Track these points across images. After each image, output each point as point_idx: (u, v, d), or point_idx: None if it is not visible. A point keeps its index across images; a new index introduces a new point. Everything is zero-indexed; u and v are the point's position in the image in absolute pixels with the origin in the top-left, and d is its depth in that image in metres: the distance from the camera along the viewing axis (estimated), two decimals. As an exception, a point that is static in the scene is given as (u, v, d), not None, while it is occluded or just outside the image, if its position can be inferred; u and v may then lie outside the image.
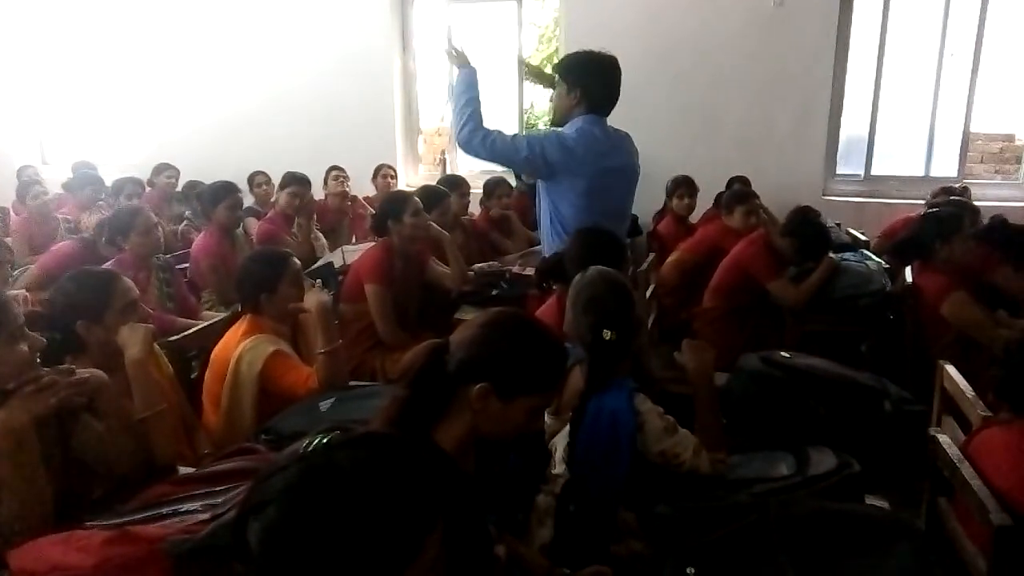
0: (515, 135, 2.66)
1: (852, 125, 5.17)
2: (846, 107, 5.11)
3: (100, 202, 4.72)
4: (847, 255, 3.57)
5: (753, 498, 1.59)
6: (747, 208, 3.79)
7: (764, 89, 5.03)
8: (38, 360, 1.56)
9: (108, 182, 4.94)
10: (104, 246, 3.19)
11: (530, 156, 2.58)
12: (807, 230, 3.31)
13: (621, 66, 2.67)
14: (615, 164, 2.66)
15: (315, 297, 2.17)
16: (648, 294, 3.34)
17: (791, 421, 1.96)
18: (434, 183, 4.26)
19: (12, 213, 4.65)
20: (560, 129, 2.62)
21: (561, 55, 5.45)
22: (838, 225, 4.33)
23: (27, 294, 2.70)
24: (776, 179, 4.82)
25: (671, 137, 5.09)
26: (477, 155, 2.72)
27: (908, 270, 3.18)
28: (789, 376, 2.02)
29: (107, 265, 2.71)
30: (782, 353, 2.14)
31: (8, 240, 3.30)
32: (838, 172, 5.23)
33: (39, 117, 7.04)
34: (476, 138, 2.62)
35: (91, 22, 6.54)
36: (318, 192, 4.78)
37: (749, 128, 5.10)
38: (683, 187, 4.47)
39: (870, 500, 1.72)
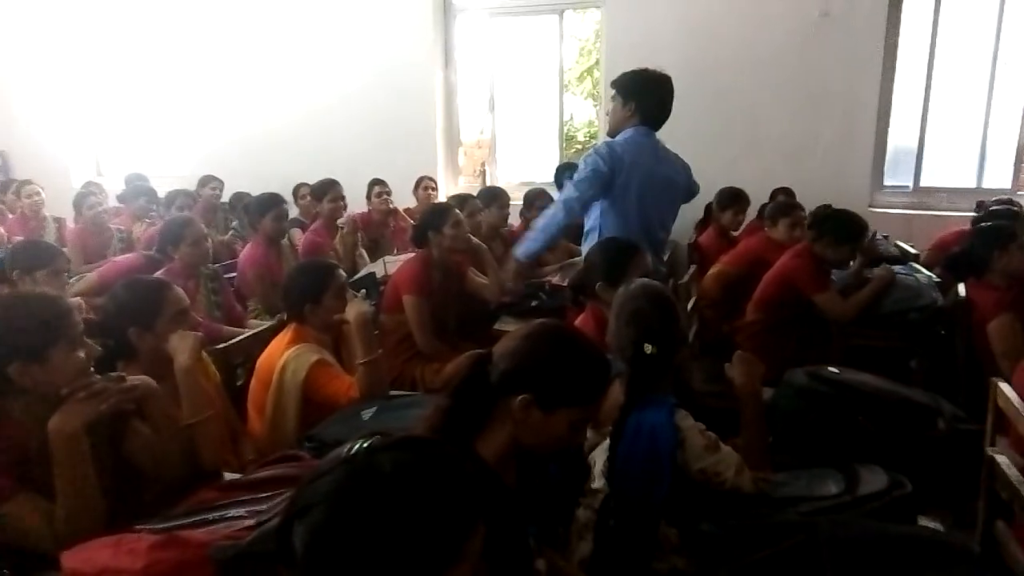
0: (576, 183, 2.78)
1: (900, 136, 5.06)
2: (894, 117, 5.00)
3: (152, 213, 4.87)
4: (896, 268, 3.48)
5: (801, 517, 1.55)
6: (792, 220, 3.73)
7: (809, 99, 4.95)
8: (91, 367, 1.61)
9: (159, 194, 5.10)
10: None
11: (587, 178, 2.72)
12: (831, 222, 3.26)
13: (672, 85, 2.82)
14: (661, 174, 2.76)
15: (355, 308, 2.20)
16: (689, 307, 3.30)
17: (839, 438, 1.90)
18: (473, 194, 4.29)
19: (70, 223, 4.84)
20: (607, 140, 2.77)
21: (602, 68, 5.49)
22: (886, 237, 4.23)
23: (82, 301, 2.78)
24: (821, 191, 4.73)
25: (714, 148, 5.04)
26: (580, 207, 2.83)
27: (961, 285, 3.08)
28: (837, 392, 1.96)
29: (158, 274, 2.78)
30: (830, 368, 2.09)
31: (65, 249, 3.41)
32: (886, 184, 5.12)
33: (94, 132, 7.31)
34: (568, 210, 2.80)
35: (142, 40, 6.78)
36: (358, 203, 4.85)
37: (794, 139, 5.03)
38: (739, 203, 4.39)
39: (923, 521, 1.66)
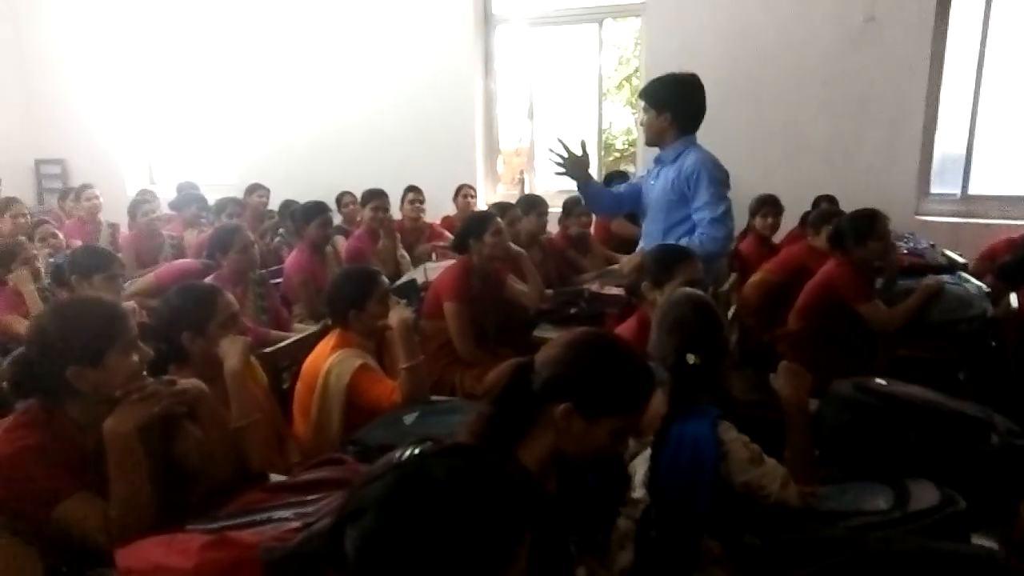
0: (722, 216, 2.71)
1: (948, 142, 4.92)
2: (941, 123, 4.87)
3: (202, 220, 5.00)
4: (944, 278, 3.39)
5: (849, 532, 1.51)
6: (835, 228, 3.66)
7: (853, 105, 4.86)
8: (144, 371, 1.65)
9: (209, 202, 5.24)
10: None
11: (728, 209, 2.73)
12: (840, 228, 3.20)
13: (703, 85, 2.75)
14: None
15: (397, 314, 2.23)
16: (730, 315, 3.26)
17: (888, 452, 1.85)
18: (513, 202, 4.31)
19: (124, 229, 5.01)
20: (702, 169, 2.69)
21: (642, 75, 5.47)
22: (932, 246, 4.12)
23: (135, 305, 2.87)
24: (865, 198, 4.59)
25: (755, 155, 4.98)
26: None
27: (1013, 295, 2.98)
28: (886, 404, 1.90)
29: (208, 280, 2.85)
30: (877, 379, 2.03)
31: (119, 255, 3.52)
32: (932, 191, 4.99)
33: (148, 142, 7.58)
34: (723, 246, 2.77)
35: (193, 53, 7.00)
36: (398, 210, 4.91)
37: (837, 145, 4.94)
38: (767, 206, 4.36)
39: (977, 539, 1.61)
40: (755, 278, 3.80)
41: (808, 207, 4.40)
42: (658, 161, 2.88)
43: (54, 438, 1.50)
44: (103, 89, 7.29)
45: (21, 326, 2.91)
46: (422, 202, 4.94)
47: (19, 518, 1.47)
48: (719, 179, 2.70)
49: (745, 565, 1.57)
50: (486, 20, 5.90)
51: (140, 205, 4.69)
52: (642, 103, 2.84)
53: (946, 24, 4.70)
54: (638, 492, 1.65)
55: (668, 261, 2.32)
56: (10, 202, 4.84)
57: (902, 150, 4.82)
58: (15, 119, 7.37)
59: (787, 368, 1.77)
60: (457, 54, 5.86)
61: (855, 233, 3.14)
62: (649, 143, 2.89)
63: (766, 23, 4.97)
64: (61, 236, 4.17)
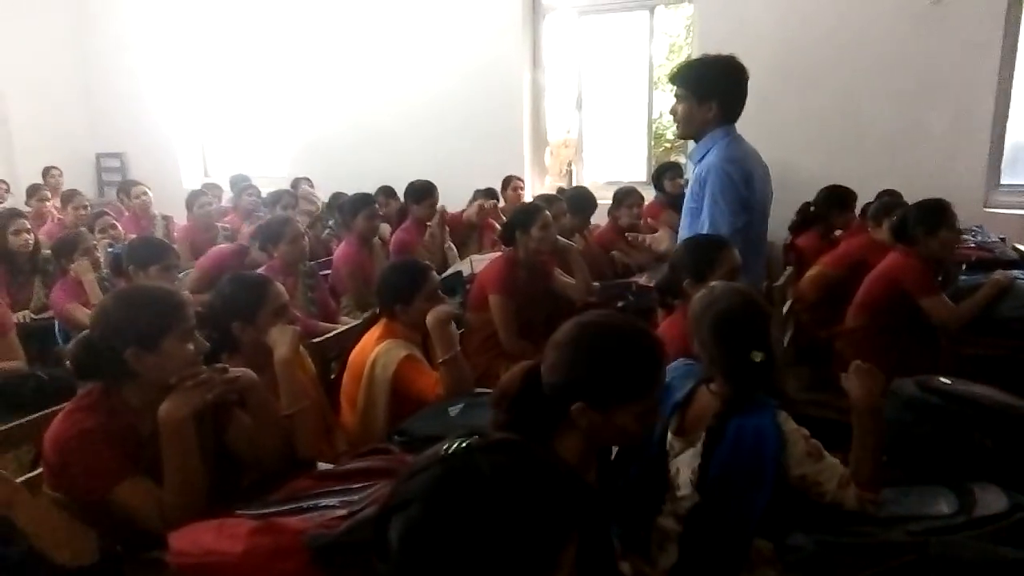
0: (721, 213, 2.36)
1: (1020, 129, 4.69)
2: (1013, 109, 4.63)
3: (258, 213, 5.10)
4: (1014, 273, 3.23)
5: (910, 537, 1.45)
6: (898, 220, 3.52)
7: (918, 91, 4.66)
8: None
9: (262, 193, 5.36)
10: (256, 252, 3.44)
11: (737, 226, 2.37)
12: (910, 216, 3.06)
13: (758, 72, 2.55)
14: (761, 171, 2.50)
15: (432, 311, 2.20)
16: (784, 311, 3.17)
17: (952, 454, 1.76)
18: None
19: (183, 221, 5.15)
20: (721, 169, 2.36)
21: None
22: (1002, 239, 3.93)
23: (192, 298, 2.94)
24: (930, 189, 4.38)
25: (812, 145, 4.84)
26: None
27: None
28: (950, 404, 1.81)
29: (259, 271, 2.90)
30: (941, 378, 1.94)
31: (174, 246, 3.62)
32: (1003, 182, 4.76)
33: (202, 136, 7.80)
34: None
35: (242, 50, 7.19)
36: (447, 201, 4.89)
37: (900, 134, 4.74)
38: (847, 202, 4.12)
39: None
40: (812, 272, 3.70)
41: (870, 199, 4.23)
42: (689, 158, 2.64)
43: (112, 422, 1.55)
44: (160, 86, 7.54)
45: (82, 315, 3.02)
46: (496, 205, 4.82)
47: (76, 498, 1.52)
48: (729, 189, 2.32)
49: (798, 567, 1.52)
50: (534, 9, 5.87)
51: (198, 197, 4.81)
52: (678, 90, 2.44)
53: (1021, 2, 4.46)
54: (684, 490, 1.60)
55: (706, 253, 2.22)
56: (72, 194, 5.05)
57: (970, 138, 4.62)
58: (77, 115, 7.68)
59: (859, 368, 1.65)
60: (505, 44, 5.84)
61: (927, 223, 3.02)
62: (685, 136, 2.58)
63: (825, 5, 4.80)
64: (120, 227, 4.30)
